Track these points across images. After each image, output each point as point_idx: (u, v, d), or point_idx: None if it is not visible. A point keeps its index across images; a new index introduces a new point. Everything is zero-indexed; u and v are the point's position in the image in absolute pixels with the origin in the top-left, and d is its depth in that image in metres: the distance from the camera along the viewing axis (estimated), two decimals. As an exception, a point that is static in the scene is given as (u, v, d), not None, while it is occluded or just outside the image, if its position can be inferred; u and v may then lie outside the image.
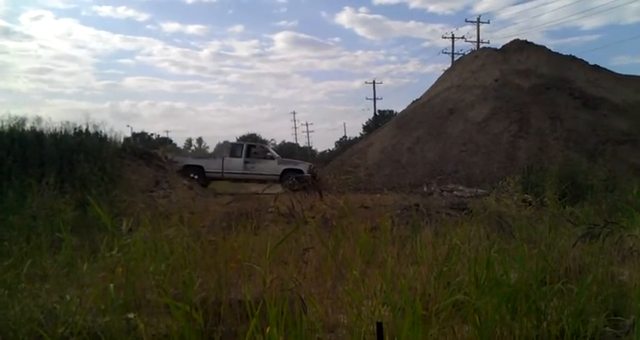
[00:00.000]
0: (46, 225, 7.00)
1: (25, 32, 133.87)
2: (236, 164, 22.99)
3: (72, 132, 15.93)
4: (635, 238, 5.62)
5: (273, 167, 23.10)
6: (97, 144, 15.59)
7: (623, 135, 21.98)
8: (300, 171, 23.21)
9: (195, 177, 22.16)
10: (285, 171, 22.92)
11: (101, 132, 17.14)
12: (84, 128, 16.52)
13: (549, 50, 29.19)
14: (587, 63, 28.17)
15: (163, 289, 4.07)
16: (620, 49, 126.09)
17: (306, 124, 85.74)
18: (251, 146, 24.63)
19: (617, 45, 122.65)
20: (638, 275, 5.27)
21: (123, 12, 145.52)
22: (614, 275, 5.16)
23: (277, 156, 24.83)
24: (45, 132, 15.18)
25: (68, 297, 4.03)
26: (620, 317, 4.13)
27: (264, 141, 32.87)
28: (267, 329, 3.26)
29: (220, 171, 22.87)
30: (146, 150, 18.53)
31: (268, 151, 24.62)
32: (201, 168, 22.72)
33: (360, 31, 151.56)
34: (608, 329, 4.02)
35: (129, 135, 43.37)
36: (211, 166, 22.91)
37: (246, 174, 22.79)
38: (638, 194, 11.55)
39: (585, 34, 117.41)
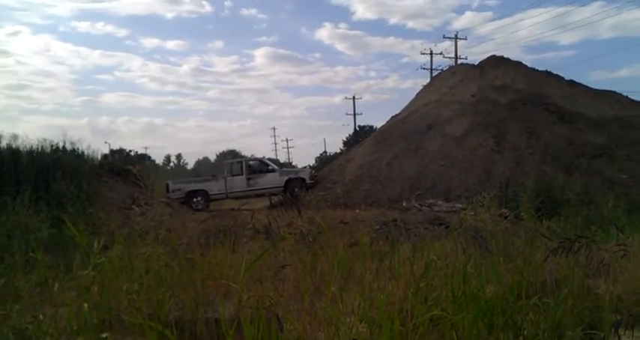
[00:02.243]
0: (20, 243, 6.90)
1: (2, 48, 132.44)
2: (239, 182, 23.02)
3: (49, 149, 15.82)
4: (608, 251, 5.69)
5: (275, 179, 23.18)
6: (74, 162, 15.48)
7: (598, 150, 22.26)
8: (303, 179, 23.34)
9: (201, 200, 22.42)
10: (288, 181, 23.05)
11: (78, 149, 17.08)
12: (61, 145, 16.45)
13: (526, 66, 29.56)
14: (563, 78, 28.56)
15: (137, 308, 4.02)
16: (596, 64, 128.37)
17: (287, 140, 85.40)
18: (250, 162, 24.57)
19: (593, 60, 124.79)
20: (613, 288, 5.33)
21: (102, 28, 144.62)
22: (590, 289, 5.21)
23: (277, 167, 24.86)
24: (21, 149, 15.04)
25: (41, 317, 3.96)
26: (595, 331, 4.16)
27: (244, 157, 32.86)
28: (243, 348, 3.24)
29: (224, 191, 22.88)
30: (123, 167, 18.39)
31: (268, 165, 24.61)
32: (205, 191, 22.76)
33: (340, 46, 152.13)
34: (583, 342, 4.05)
35: (106, 151, 42.91)
36: (215, 188, 22.94)
37: (251, 190, 22.83)
38: (614, 208, 11.71)
39: (562, 50, 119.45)
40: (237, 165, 24.10)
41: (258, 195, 22.24)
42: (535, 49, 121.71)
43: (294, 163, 72.09)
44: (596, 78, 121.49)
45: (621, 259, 5.78)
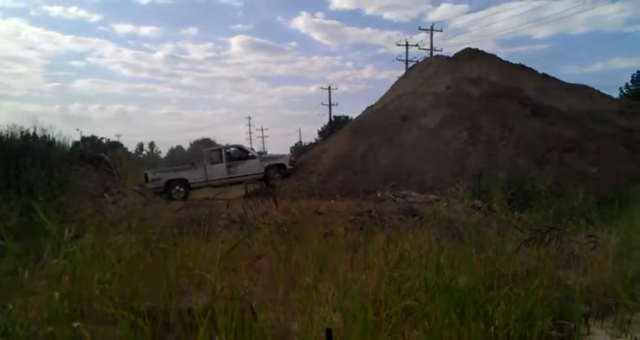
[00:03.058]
0: (-11, 231, 6.77)
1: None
2: (219, 170, 22.79)
3: (19, 135, 15.53)
4: (578, 243, 5.79)
5: (255, 166, 23.07)
6: (45, 149, 15.22)
7: (570, 143, 22.55)
8: (283, 165, 23.32)
9: (181, 190, 22.05)
10: (268, 167, 22.97)
11: (49, 136, 16.78)
12: (31, 132, 16.15)
13: (500, 59, 29.80)
14: (536, 72, 28.85)
15: (109, 297, 3.98)
16: (570, 59, 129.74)
17: (262, 129, 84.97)
18: (230, 149, 24.31)
19: (566, 54, 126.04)
20: (583, 279, 5.42)
21: (74, 12, 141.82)
22: (560, 280, 5.29)
23: (257, 154, 24.76)
24: (-10, 135, 14.75)
25: (11, 306, 3.90)
26: (565, 321, 4.23)
27: (220, 145, 32.42)
28: (217, 338, 3.23)
29: (205, 179, 22.63)
30: (95, 154, 18.15)
31: (248, 151, 24.50)
32: (185, 180, 22.41)
33: (316, 36, 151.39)
34: (553, 332, 4.12)
35: (78, 139, 42.27)
36: (195, 177, 22.61)
37: (231, 177, 22.65)
38: (584, 201, 11.90)
39: (536, 43, 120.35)
40: (216, 153, 23.89)
41: (238, 183, 22.17)
42: (510, 42, 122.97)
43: (269, 153, 71.97)
44: (570, 72, 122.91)
45: (591, 251, 5.89)
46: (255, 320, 3.53)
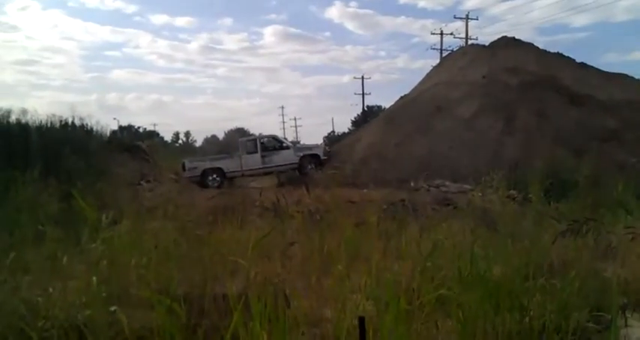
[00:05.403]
0: (30, 217, 6.94)
1: (12, 23, 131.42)
2: (254, 160, 23.07)
3: (58, 124, 15.90)
4: (616, 234, 5.67)
5: (290, 156, 23.30)
6: (83, 137, 15.59)
7: (609, 133, 22.11)
8: (317, 155, 23.41)
9: (217, 178, 22.37)
10: (303, 157, 23.14)
11: (87, 124, 17.19)
12: (70, 120, 16.53)
13: (537, 47, 29.29)
14: (574, 60, 28.29)
15: (146, 283, 4.05)
16: (610, 47, 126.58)
17: (295, 119, 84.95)
18: (264, 139, 24.59)
19: (606, 42, 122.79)
20: (621, 270, 5.32)
21: (111, 3, 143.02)
22: (597, 271, 5.20)
23: (291, 144, 24.89)
24: (31, 124, 15.12)
25: (51, 290, 4.00)
26: (602, 313, 4.16)
27: (254, 135, 32.33)
28: (251, 324, 3.26)
29: (240, 169, 22.94)
30: (132, 143, 18.46)
31: (282, 142, 24.73)
32: (220, 169, 22.77)
33: (350, 25, 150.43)
34: (590, 324, 4.05)
35: (115, 128, 42.99)
36: (231, 166, 22.97)
37: (266, 167, 22.99)
38: (623, 191, 11.64)
39: (575, 32, 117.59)
40: (251, 143, 24.10)
41: (272, 172, 22.38)
42: (548, 30, 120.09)
43: (302, 142, 72.09)
44: (609, 60, 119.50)
45: (629, 242, 5.77)
46: (289, 307, 3.56)
